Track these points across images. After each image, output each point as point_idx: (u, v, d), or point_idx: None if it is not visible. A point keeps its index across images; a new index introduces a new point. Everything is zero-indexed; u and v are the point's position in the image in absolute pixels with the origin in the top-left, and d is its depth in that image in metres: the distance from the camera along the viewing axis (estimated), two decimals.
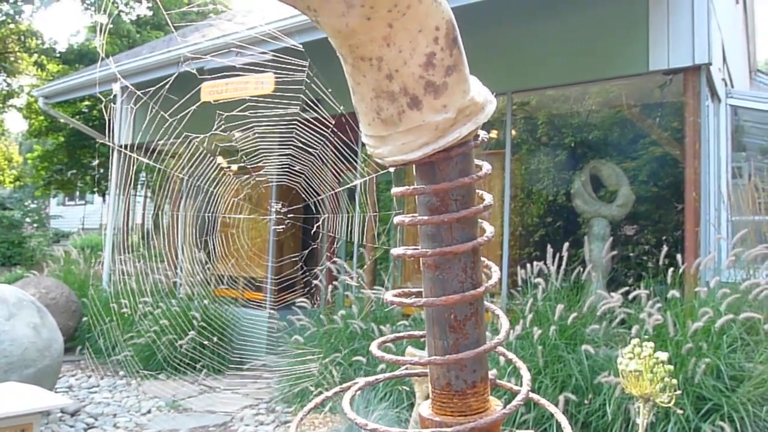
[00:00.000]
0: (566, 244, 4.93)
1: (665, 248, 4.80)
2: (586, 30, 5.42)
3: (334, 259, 6.51)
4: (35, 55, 16.03)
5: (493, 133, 6.46)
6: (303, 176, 5.03)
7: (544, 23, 5.59)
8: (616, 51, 5.33)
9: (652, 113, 7.54)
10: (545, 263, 4.90)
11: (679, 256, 4.59)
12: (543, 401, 0.74)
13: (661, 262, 4.72)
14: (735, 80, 7.59)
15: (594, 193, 6.69)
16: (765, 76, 11.43)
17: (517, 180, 7.86)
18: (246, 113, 4.42)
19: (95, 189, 15.50)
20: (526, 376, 0.68)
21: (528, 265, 4.98)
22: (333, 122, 4.59)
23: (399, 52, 0.58)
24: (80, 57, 15.17)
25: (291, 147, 4.78)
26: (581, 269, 4.94)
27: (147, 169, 8.74)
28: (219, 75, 5.13)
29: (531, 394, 0.69)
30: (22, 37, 15.97)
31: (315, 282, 6.24)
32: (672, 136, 7.14)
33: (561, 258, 4.85)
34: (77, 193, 18.94)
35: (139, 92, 4.39)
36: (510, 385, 0.77)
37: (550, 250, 4.94)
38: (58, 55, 15.84)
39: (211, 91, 5.25)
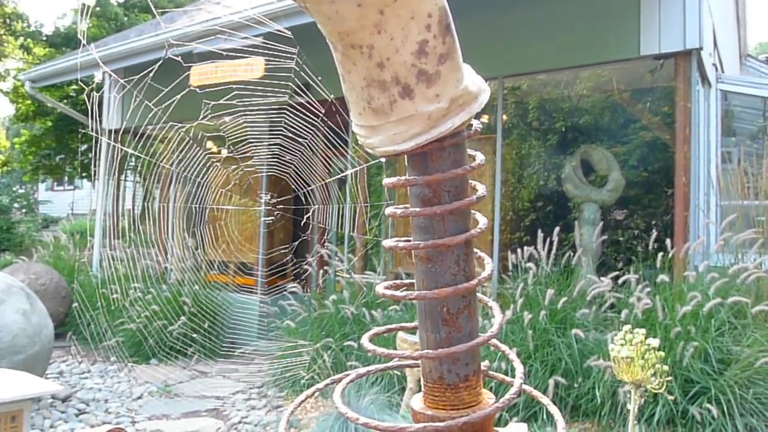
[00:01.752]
0: (557, 229, 4.95)
1: (655, 233, 4.83)
2: (578, 14, 5.40)
3: (326, 243, 6.50)
4: (21, 38, 15.78)
5: (484, 118, 6.44)
6: (293, 166, 4.98)
7: (536, 7, 5.56)
8: (607, 36, 5.31)
9: (642, 98, 7.54)
10: (536, 248, 4.92)
11: (668, 241, 4.62)
12: (536, 393, 0.74)
13: (650, 247, 4.75)
14: (725, 65, 7.60)
15: (584, 178, 6.70)
16: (755, 61, 11.44)
17: (507, 165, 7.86)
18: (234, 102, 4.35)
19: (84, 174, 15.35)
20: (519, 368, 0.68)
21: (518, 250, 4.99)
22: (323, 111, 4.53)
23: (390, 39, 0.57)
24: (67, 40, 14.95)
25: (280, 137, 4.73)
26: (571, 254, 4.96)
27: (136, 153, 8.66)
28: (207, 61, 5.06)
29: (524, 386, 0.69)
30: (8, 20, 15.71)
31: (306, 267, 6.23)
32: (662, 120, 7.16)
33: (551, 243, 4.87)
34: (66, 178, 18.76)
35: (122, 80, 4.32)
36: (502, 377, 0.76)
37: (540, 234, 4.96)
38: (44, 38, 15.59)
39: (200, 75, 5.19)
